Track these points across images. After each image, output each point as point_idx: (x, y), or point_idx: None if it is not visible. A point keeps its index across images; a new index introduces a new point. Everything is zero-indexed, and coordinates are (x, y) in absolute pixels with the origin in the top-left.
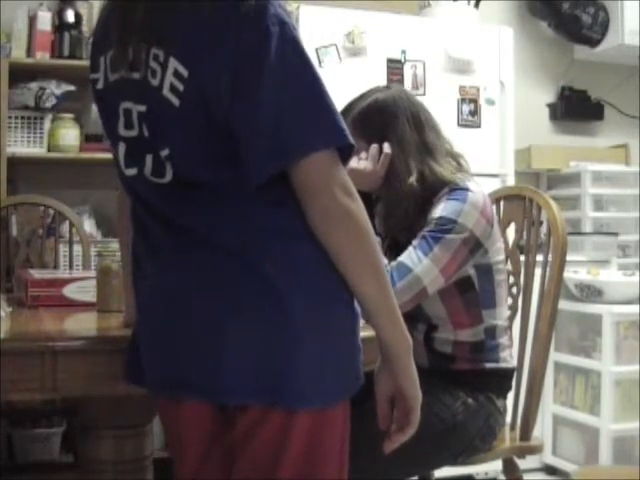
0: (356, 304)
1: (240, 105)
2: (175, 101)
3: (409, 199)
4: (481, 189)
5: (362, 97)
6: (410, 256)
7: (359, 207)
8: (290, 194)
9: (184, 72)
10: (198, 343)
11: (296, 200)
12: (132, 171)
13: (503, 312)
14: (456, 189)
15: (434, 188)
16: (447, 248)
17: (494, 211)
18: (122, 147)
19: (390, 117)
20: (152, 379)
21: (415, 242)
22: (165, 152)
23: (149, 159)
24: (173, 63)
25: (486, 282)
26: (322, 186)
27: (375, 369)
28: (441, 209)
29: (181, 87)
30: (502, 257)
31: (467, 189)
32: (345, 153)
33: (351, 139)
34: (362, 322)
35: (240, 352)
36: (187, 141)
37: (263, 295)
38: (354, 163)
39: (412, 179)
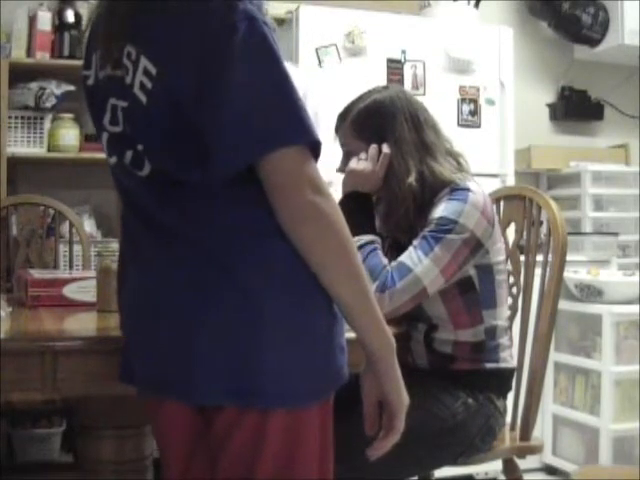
0: (335, 305)
1: (206, 103)
2: (143, 99)
3: (409, 199)
4: (482, 189)
5: (360, 99)
6: (410, 256)
7: (330, 205)
8: (262, 196)
9: (152, 70)
10: (173, 343)
11: (268, 202)
12: (113, 159)
13: (503, 312)
14: (457, 189)
15: (434, 188)
16: (448, 248)
17: (494, 211)
18: (105, 136)
19: (388, 117)
20: (137, 379)
21: (416, 242)
22: (140, 147)
23: (129, 154)
24: (143, 61)
25: (487, 282)
26: (290, 183)
27: (361, 372)
28: (442, 209)
29: (149, 85)
30: (503, 257)
31: (468, 189)
32: (316, 151)
33: (317, 136)
34: None
35: (213, 353)
36: (157, 139)
37: (237, 295)
38: (353, 164)
39: (411, 179)
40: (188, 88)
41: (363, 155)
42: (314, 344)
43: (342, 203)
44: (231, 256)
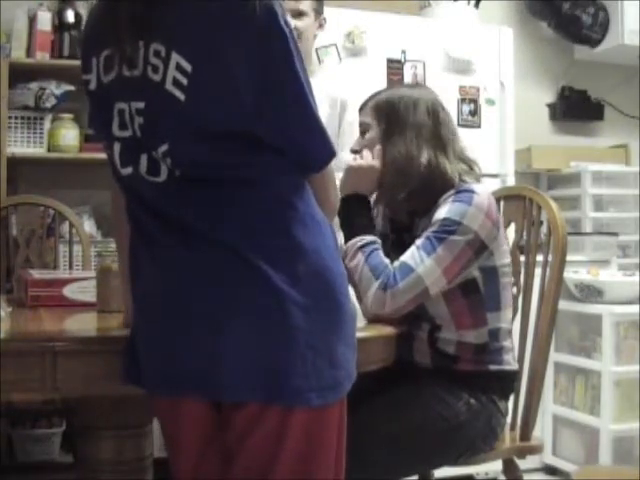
0: (352, 305)
1: (276, 103)
2: (179, 95)
3: (415, 181)
4: (487, 192)
5: (389, 88)
6: (413, 256)
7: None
8: (290, 194)
9: (187, 67)
10: (197, 342)
11: (296, 200)
12: (128, 170)
13: (507, 315)
14: (462, 191)
15: (438, 183)
16: (450, 249)
17: (500, 214)
18: (117, 146)
19: (410, 104)
20: (151, 378)
21: (419, 242)
22: (163, 148)
23: (144, 158)
24: (175, 57)
25: (491, 285)
26: (334, 183)
27: None
28: (446, 210)
29: (185, 81)
30: (508, 260)
31: (472, 191)
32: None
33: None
34: (362, 322)
35: (239, 350)
36: (188, 136)
37: (262, 294)
38: (351, 161)
39: (423, 159)
40: (231, 89)
41: (365, 153)
42: (336, 343)
43: (341, 205)
44: (257, 255)
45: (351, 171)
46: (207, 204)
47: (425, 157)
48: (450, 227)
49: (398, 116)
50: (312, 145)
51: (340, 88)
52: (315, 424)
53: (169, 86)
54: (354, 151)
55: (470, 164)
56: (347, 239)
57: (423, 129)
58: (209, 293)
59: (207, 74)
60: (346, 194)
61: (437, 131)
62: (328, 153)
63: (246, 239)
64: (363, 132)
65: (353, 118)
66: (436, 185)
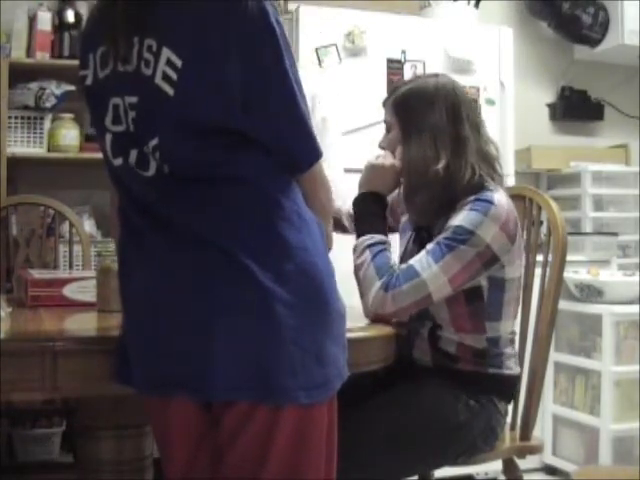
0: (341, 305)
1: (264, 102)
2: (169, 90)
3: (435, 185)
4: (507, 203)
5: (410, 81)
6: (420, 260)
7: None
8: (277, 192)
9: (177, 62)
10: (187, 342)
11: (283, 198)
12: (118, 161)
13: (508, 326)
14: (480, 200)
15: (455, 185)
16: (459, 258)
17: (519, 227)
18: (109, 137)
19: (426, 103)
20: (140, 378)
21: (429, 247)
22: (154, 142)
23: (134, 152)
24: (166, 52)
25: (496, 296)
26: (323, 184)
27: None
28: (461, 218)
29: (174, 76)
30: (519, 275)
31: (491, 202)
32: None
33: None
34: (363, 321)
35: (227, 350)
36: (177, 131)
37: (249, 293)
38: (372, 159)
39: (440, 166)
40: (222, 86)
41: (387, 154)
42: (325, 342)
43: (358, 202)
44: (246, 256)
45: (371, 169)
46: (194, 202)
47: (444, 161)
48: (462, 236)
49: (415, 116)
50: (299, 145)
51: (315, 83)
52: (304, 422)
53: (159, 80)
54: (381, 147)
55: (492, 161)
56: (359, 235)
57: (441, 131)
58: (197, 292)
59: (197, 70)
60: (363, 191)
61: (456, 132)
62: (314, 154)
63: (233, 238)
64: (387, 130)
65: (325, 113)
66: (453, 189)
